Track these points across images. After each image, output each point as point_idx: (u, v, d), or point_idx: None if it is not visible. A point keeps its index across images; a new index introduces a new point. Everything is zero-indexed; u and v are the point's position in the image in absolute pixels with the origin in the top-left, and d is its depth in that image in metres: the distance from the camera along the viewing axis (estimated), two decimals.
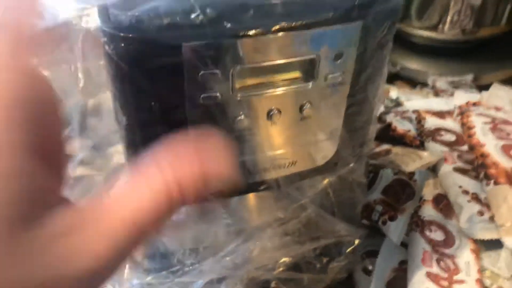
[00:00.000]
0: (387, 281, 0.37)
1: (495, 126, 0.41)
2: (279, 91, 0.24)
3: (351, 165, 0.31)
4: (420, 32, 0.68)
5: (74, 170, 0.27)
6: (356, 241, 0.34)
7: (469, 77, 0.60)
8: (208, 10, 0.21)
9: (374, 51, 0.26)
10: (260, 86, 0.24)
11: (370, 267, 0.38)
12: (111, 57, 0.21)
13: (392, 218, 0.36)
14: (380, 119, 0.51)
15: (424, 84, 0.63)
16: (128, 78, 0.22)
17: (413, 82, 0.64)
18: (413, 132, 0.46)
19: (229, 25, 0.22)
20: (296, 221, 0.32)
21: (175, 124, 0.23)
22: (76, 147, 0.27)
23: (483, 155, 0.39)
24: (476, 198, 0.37)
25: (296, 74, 0.25)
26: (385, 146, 0.46)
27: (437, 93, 0.56)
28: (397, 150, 0.44)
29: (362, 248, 0.41)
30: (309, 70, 0.25)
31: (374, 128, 0.32)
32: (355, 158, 0.31)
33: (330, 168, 0.30)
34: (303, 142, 0.27)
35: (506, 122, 0.42)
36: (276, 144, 0.27)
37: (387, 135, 0.49)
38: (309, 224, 0.32)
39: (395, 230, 0.36)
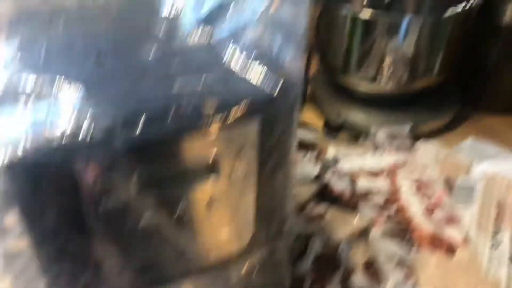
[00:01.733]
0: None
1: (420, 187, 0.43)
2: (184, 189, 0.25)
3: (273, 245, 0.32)
4: (360, 84, 0.70)
5: None
6: None
7: (406, 128, 0.63)
8: (99, 123, 0.22)
9: (277, 142, 0.27)
10: (164, 186, 0.25)
11: None
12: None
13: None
14: (318, 178, 0.52)
15: (367, 134, 0.65)
16: (26, 199, 0.22)
17: (358, 133, 0.66)
18: (348, 191, 0.48)
19: (121, 135, 0.22)
20: None
21: (81, 234, 0.23)
22: None
23: (410, 220, 0.40)
24: (401, 263, 0.38)
25: (200, 172, 0.26)
26: (321, 208, 0.46)
27: (376, 146, 0.58)
28: (331, 213, 0.45)
29: None
30: (213, 168, 0.25)
31: (291, 205, 0.33)
32: (276, 237, 0.32)
33: (248, 252, 0.30)
34: (215, 233, 0.27)
35: (429, 183, 0.44)
36: (188, 239, 0.27)
37: (325, 195, 0.50)
38: None
39: None
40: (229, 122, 0.23)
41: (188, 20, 0.26)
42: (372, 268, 0.40)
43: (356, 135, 0.65)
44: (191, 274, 0.29)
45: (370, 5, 0.65)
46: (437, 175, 0.45)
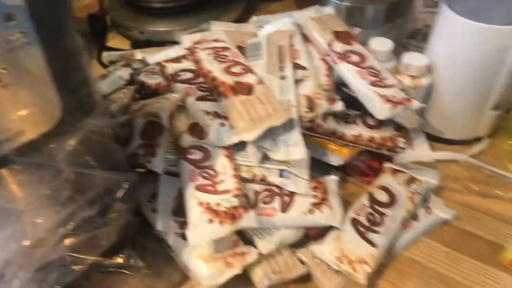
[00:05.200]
0: (172, 210, 0.42)
1: (217, 54, 0.49)
2: None
3: (91, 121, 0.34)
4: None
5: None
6: (125, 185, 0.37)
7: (204, 26, 0.68)
8: None
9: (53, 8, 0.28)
10: None
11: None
12: None
13: (152, 155, 0.41)
14: (134, 81, 0.55)
15: (175, 43, 0.69)
16: None
17: (164, 44, 0.70)
18: (162, 81, 0.52)
19: None
20: (60, 187, 0.33)
21: None
22: None
23: (214, 79, 0.46)
24: (216, 114, 0.45)
25: None
26: (142, 102, 0.50)
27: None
28: (151, 101, 0.48)
29: (147, 193, 0.45)
30: None
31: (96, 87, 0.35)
32: (87, 115, 0.34)
33: (65, 127, 0.32)
34: (17, 109, 0.28)
35: (224, 49, 0.50)
36: None
37: (143, 93, 0.53)
38: (75, 185, 0.34)
39: (158, 163, 0.41)
40: None
41: None
42: (196, 128, 0.45)
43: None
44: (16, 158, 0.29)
45: None
46: (230, 43, 0.52)
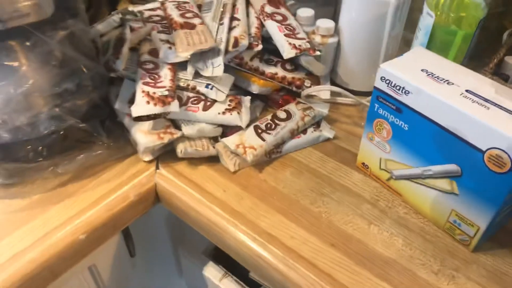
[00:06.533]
0: (128, 100, 0.62)
1: (179, 5, 0.69)
2: None
3: (75, 22, 0.54)
4: None
5: None
6: (97, 69, 0.57)
7: None
8: None
9: None
10: None
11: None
12: None
13: (117, 58, 0.61)
14: (123, 24, 0.75)
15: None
16: None
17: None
18: (142, 25, 0.72)
19: None
20: (51, 59, 0.53)
21: None
22: None
23: (170, 19, 0.66)
24: (168, 42, 0.64)
25: None
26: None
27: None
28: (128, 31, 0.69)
29: (115, 92, 0.65)
30: None
31: None
32: (75, 14, 0.54)
33: (57, 21, 0.52)
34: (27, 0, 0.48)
35: (185, 2, 0.70)
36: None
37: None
38: (61, 62, 0.54)
39: (120, 63, 0.61)
40: None
41: None
42: (154, 51, 0.65)
43: None
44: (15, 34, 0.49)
45: None
46: (190, 1, 0.72)
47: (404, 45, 0.75)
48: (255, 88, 0.68)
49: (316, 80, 0.71)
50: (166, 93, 0.58)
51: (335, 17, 0.82)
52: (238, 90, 0.69)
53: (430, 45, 0.62)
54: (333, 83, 0.75)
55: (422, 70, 0.48)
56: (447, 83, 0.46)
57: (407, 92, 0.48)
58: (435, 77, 0.47)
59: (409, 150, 0.51)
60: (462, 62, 0.62)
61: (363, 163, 0.59)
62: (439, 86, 0.46)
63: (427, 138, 0.48)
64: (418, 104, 0.47)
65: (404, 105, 0.49)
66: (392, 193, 0.56)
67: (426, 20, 0.61)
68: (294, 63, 0.70)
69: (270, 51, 0.70)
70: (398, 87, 0.49)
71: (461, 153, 0.45)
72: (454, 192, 0.48)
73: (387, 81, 0.50)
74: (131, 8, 0.78)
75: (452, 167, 0.47)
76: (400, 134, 0.51)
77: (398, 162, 0.53)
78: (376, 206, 0.55)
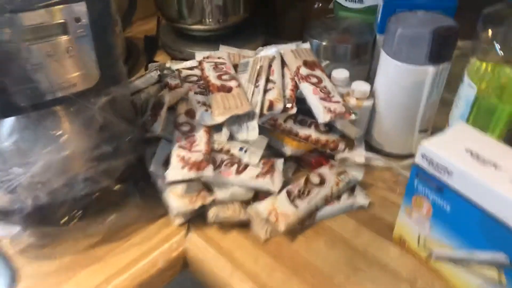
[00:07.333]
0: (163, 161, 0.62)
1: (216, 66, 0.70)
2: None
3: (117, 89, 0.55)
4: (192, 26, 0.97)
5: None
6: (132, 133, 0.58)
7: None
8: None
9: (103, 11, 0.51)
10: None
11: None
12: None
13: (155, 121, 0.62)
14: (161, 80, 0.77)
15: None
16: None
17: None
18: (179, 83, 0.73)
19: None
20: (92, 125, 0.54)
21: None
22: None
23: (207, 81, 0.67)
24: (204, 104, 0.65)
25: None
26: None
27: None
28: (165, 91, 0.70)
29: (150, 152, 0.66)
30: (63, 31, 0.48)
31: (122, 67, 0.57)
32: (115, 84, 0.55)
33: (101, 88, 0.53)
34: (75, 71, 0.50)
35: (222, 63, 0.71)
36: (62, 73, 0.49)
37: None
38: (101, 126, 0.55)
39: (157, 126, 0.62)
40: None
41: None
42: (190, 112, 0.66)
43: None
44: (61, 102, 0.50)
45: None
46: (227, 61, 0.73)
47: (442, 105, 0.73)
48: (288, 150, 0.67)
49: (350, 142, 0.70)
50: (201, 157, 0.58)
51: (369, 75, 0.82)
52: (270, 149, 0.69)
53: (471, 117, 0.60)
54: (367, 144, 0.74)
55: (466, 150, 0.47)
56: (494, 167, 0.44)
57: (450, 172, 0.46)
58: (480, 159, 0.46)
59: (451, 231, 0.49)
60: (505, 136, 0.60)
61: (400, 237, 0.57)
62: (485, 169, 0.44)
63: (471, 222, 0.46)
64: (462, 187, 0.45)
65: (446, 185, 0.47)
66: (431, 272, 0.54)
67: (467, 91, 0.60)
68: (328, 125, 0.69)
69: (304, 112, 0.70)
70: (440, 166, 0.47)
71: (510, 242, 0.42)
72: (502, 283, 0.45)
73: (428, 159, 0.48)
74: (168, 64, 0.80)
75: (499, 256, 0.44)
76: (441, 214, 0.49)
77: (438, 242, 0.51)
78: (414, 287, 0.52)
